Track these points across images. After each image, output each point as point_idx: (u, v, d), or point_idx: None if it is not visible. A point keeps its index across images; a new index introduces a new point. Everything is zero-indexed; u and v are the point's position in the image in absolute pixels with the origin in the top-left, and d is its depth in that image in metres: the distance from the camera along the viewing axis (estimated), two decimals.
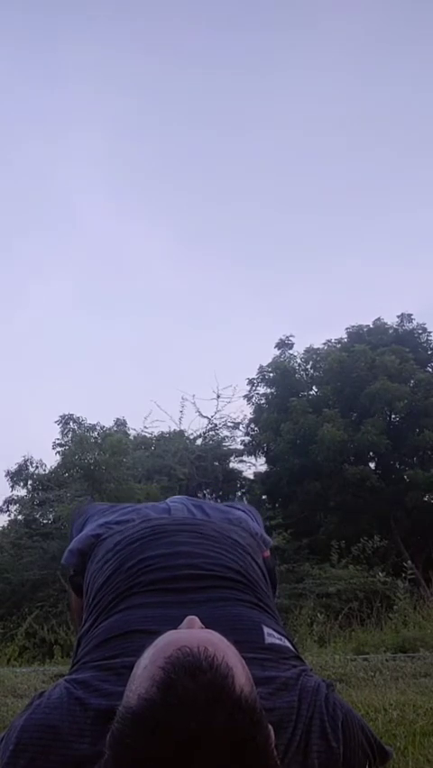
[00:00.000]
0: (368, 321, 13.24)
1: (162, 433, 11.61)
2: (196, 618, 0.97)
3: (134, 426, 12.16)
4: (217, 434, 11.73)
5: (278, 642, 1.23)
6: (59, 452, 11.01)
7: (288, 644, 1.25)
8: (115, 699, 0.92)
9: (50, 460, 11.76)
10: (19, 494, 11.13)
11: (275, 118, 17.30)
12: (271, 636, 1.24)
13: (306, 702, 1.07)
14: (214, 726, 0.77)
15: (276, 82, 17.08)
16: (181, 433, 11.35)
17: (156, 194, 19.93)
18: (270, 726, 0.85)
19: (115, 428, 12.00)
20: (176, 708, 0.78)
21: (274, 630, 1.26)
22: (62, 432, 11.12)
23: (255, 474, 12.67)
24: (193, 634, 0.91)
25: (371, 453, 11.83)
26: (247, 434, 12.68)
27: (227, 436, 11.99)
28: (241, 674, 0.85)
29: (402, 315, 13.22)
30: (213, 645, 0.85)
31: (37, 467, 11.22)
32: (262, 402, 12.98)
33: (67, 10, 14.63)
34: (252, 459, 12.66)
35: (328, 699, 1.08)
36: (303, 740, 1.02)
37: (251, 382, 13.06)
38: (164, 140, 18.52)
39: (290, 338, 13.10)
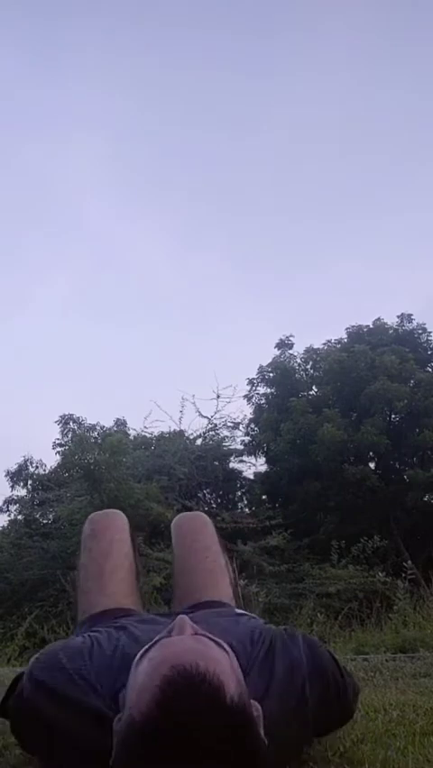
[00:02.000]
0: (368, 321, 13.27)
1: (162, 433, 11.60)
2: (186, 618, 1.04)
3: (134, 426, 12.18)
4: (217, 434, 11.70)
5: (247, 614, 1.45)
6: (59, 452, 11.06)
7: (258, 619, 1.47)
8: (123, 644, 1.16)
9: (50, 460, 11.81)
10: (19, 494, 11.17)
11: (276, 120, 17.32)
12: (241, 611, 1.49)
13: (267, 631, 1.24)
14: (210, 733, 0.88)
15: (276, 85, 17.13)
16: (181, 433, 11.34)
17: (158, 196, 19.94)
18: (258, 716, 0.96)
19: (115, 428, 12.01)
20: (175, 722, 0.88)
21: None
22: (62, 432, 11.18)
23: (255, 474, 12.67)
24: (185, 647, 0.97)
25: (371, 453, 11.84)
26: (247, 434, 12.68)
27: (227, 436, 11.97)
28: (231, 681, 0.94)
29: (402, 315, 13.24)
30: (204, 659, 0.94)
31: (37, 467, 11.26)
32: (262, 402, 12.98)
33: (69, 12, 14.64)
34: (252, 459, 12.67)
35: (287, 629, 1.26)
36: (269, 654, 1.17)
37: (251, 382, 13.08)
38: (166, 142, 18.56)
39: (290, 338, 13.13)
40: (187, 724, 0.88)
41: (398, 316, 13.26)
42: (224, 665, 0.96)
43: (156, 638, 1.02)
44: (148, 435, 11.67)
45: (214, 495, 12.32)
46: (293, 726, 1.14)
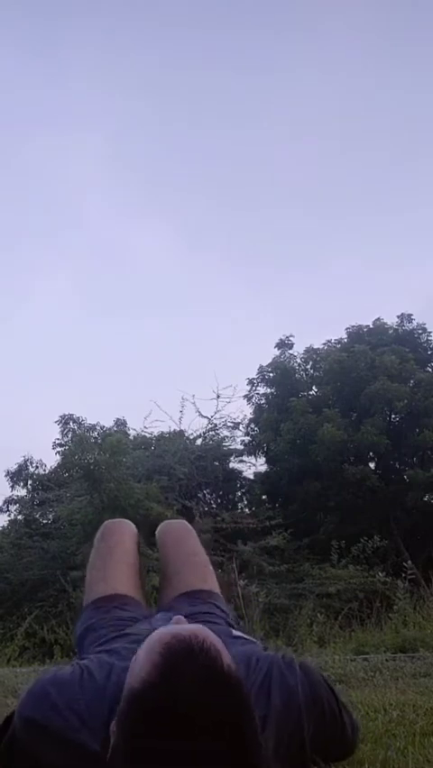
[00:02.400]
0: (368, 321, 13.26)
1: (162, 433, 11.59)
2: (182, 617, 1.10)
3: (134, 426, 12.17)
4: (217, 434, 11.69)
5: (244, 635, 1.50)
6: (59, 452, 11.05)
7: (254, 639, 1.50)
8: (117, 671, 1.14)
9: (50, 460, 11.80)
10: (19, 494, 11.17)
11: (277, 118, 17.32)
12: (238, 632, 1.50)
13: (265, 658, 1.24)
14: (208, 700, 0.91)
15: (278, 82, 17.11)
16: (181, 433, 11.33)
17: (158, 193, 19.93)
18: (251, 695, 0.99)
19: (115, 428, 12.00)
20: (175, 688, 0.91)
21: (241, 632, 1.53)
22: (62, 432, 11.16)
23: (255, 474, 12.66)
24: (183, 626, 1.04)
25: (371, 453, 11.83)
26: (247, 434, 12.67)
27: (227, 436, 11.96)
28: (226, 656, 0.98)
29: (402, 315, 13.23)
30: (202, 632, 1.00)
31: (37, 467, 11.25)
32: (262, 402, 12.98)
33: (70, 10, 14.64)
34: (252, 459, 12.66)
35: (285, 656, 1.27)
36: (266, 681, 1.18)
37: (251, 382, 13.07)
38: (167, 139, 18.54)
39: (290, 338, 13.12)
40: (185, 692, 0.90)
41: (398, 316, 13.26)
42: (220, 644, 1.00)
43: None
44: (148, 435, 11.67)
45: (214, 495, 12.31)
46: (289, 757, 1.14)
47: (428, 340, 12.87)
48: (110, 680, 1.15)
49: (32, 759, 1.12)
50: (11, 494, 11.08)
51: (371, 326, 13.11)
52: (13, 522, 10.61)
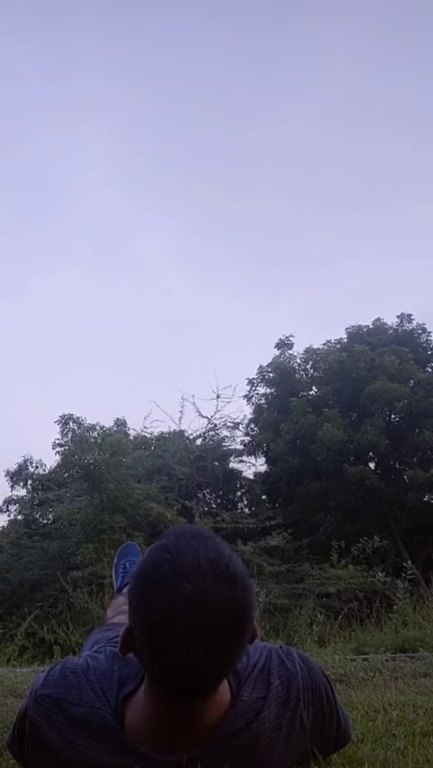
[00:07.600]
0: (368, 321, 13.27)
1: (162, 433, 11.60)
2: None
3: (134, 426, 12.19)
4: (217, 434, 11.72)
5: None
6: (58, 452, 11.05)
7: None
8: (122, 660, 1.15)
9: (50, 460, 11.80)
10: (19, 494, 11.17)
11: (281, 117, 17.35)
12: None
13: (264, 647, 1.26)
14: (208, 559, 0.96)
15: (283, 80, 17.15)
16: (181, 433, 11.34)
17: (160, 192, 19.96)
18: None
19: (115, 428, 12.00)
20: (177, 545, 0.98)
21: None
22: (62, 432, 11.15)
23: (255, 474, 12.68)
24: None
25: (371, 453, 11.83)
26: (247, 434, 12.69)
27: (227, 436, 11.99)
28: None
29: (402, 315, 13.24)
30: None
31: (37, 467, 11.26)
32: (262, 402, 12.98)
33: (81, 7, 14.67)
34: (251, 459, 12.68)
35: (282, 646, 1.28)
36: (266, 666, 1.19)
37: (251, 382, 13.08)
38: (172, 136, 18.59)
39: (290, 338, 13.13)
40: (185, 547, 0.97)
41: (398, 316, 13.28)
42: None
43: None
44: (148, 435, 11.68)
45: (214, 495, 12.31)
46: (292, 739, 1.15)
47: (427, 340, 12.88)
48: (116, 664, 1.17)
49: (43, 745, 1.10)
50: (11, 494, 11.11)
51: (370, 326, 13.12)
52: (12, 522, 10.63)
